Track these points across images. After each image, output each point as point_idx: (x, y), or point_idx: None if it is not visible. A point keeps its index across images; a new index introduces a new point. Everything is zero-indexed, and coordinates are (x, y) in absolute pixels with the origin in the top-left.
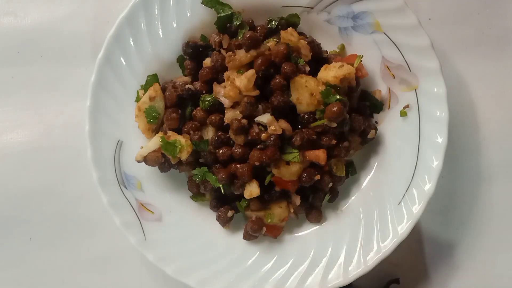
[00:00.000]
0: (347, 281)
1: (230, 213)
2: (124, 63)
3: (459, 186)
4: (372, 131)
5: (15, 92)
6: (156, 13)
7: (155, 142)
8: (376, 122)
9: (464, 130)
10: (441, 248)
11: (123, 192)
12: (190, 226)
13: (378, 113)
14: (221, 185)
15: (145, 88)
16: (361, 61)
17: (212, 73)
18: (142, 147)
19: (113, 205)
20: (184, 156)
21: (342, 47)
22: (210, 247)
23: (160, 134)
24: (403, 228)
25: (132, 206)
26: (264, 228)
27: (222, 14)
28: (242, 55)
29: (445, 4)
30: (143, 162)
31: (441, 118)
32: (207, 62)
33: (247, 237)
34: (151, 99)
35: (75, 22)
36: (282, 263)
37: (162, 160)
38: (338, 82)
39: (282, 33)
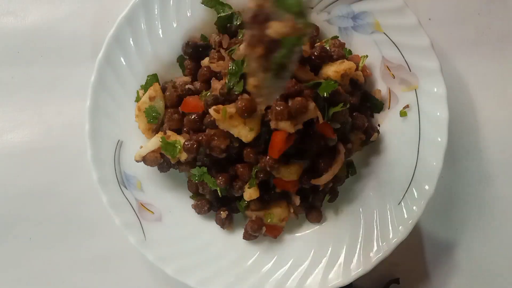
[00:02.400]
0: (347, 281)
1: (223, 215)
2: (124, 63)
3: (459, 186)
4: (375, 134)
5: (15, 92)
6: (156, 13)
7: (154, 142)
8: (378, 125)
9: (464, 130)
10: (441, 248)
11: (123, 192)
12: (190, 226)
13: (379, 113)
14: (218, 188)
15: (145, 88)
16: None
17: (211, 72)
18: (141, 147)
19: (113, 205)
20: (183, 156)
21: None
22: (210, 247)
23: (160, 134)
24: (403, 228)
25: (132, 206)
26: (264, 228)
27: (222, 14)
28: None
29: (445, 4)
30: (142, 162)
31: (441, 118)
32: (206, 61)
33: (247, 237)
34: (151, 99)
35: (75, 22)
36: (282, 263)
37: (161, 160)
38: (339, 77)
39: None
